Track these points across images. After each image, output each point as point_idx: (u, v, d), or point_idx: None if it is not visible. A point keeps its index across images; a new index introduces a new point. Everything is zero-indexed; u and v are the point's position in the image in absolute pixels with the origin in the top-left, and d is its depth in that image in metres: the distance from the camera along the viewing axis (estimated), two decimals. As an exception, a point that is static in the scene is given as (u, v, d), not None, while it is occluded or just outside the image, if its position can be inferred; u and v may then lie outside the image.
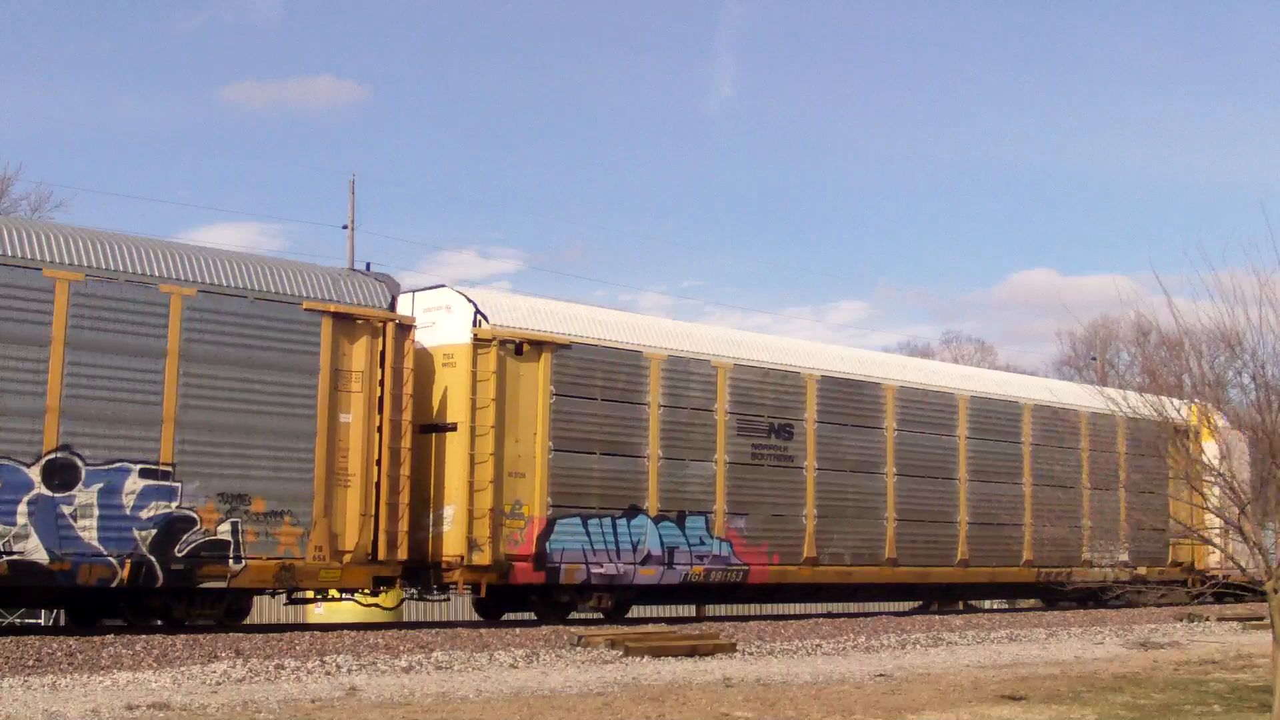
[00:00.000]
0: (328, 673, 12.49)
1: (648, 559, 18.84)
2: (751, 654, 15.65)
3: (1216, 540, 12.73)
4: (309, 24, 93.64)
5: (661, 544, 19.02)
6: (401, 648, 14.07)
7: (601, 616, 18.93)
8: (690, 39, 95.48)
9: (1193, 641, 19.49)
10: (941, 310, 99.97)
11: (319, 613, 20.71)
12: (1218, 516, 11.43)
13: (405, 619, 21.04)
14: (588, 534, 18.23)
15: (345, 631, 15.57)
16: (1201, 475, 11.73)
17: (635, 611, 23.54)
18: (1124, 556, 25.83)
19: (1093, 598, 26.39)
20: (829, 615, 21.87)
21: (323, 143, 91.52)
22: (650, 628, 17.77)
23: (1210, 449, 25.87)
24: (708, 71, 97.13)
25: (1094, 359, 61.90)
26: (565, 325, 18.53)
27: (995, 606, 29.51)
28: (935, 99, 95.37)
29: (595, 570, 18.26)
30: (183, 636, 14.09)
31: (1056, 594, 26.82)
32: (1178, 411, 28.63)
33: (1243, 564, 11.44)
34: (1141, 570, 26.02)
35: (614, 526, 18.54)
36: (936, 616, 22.97)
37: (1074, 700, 12.01)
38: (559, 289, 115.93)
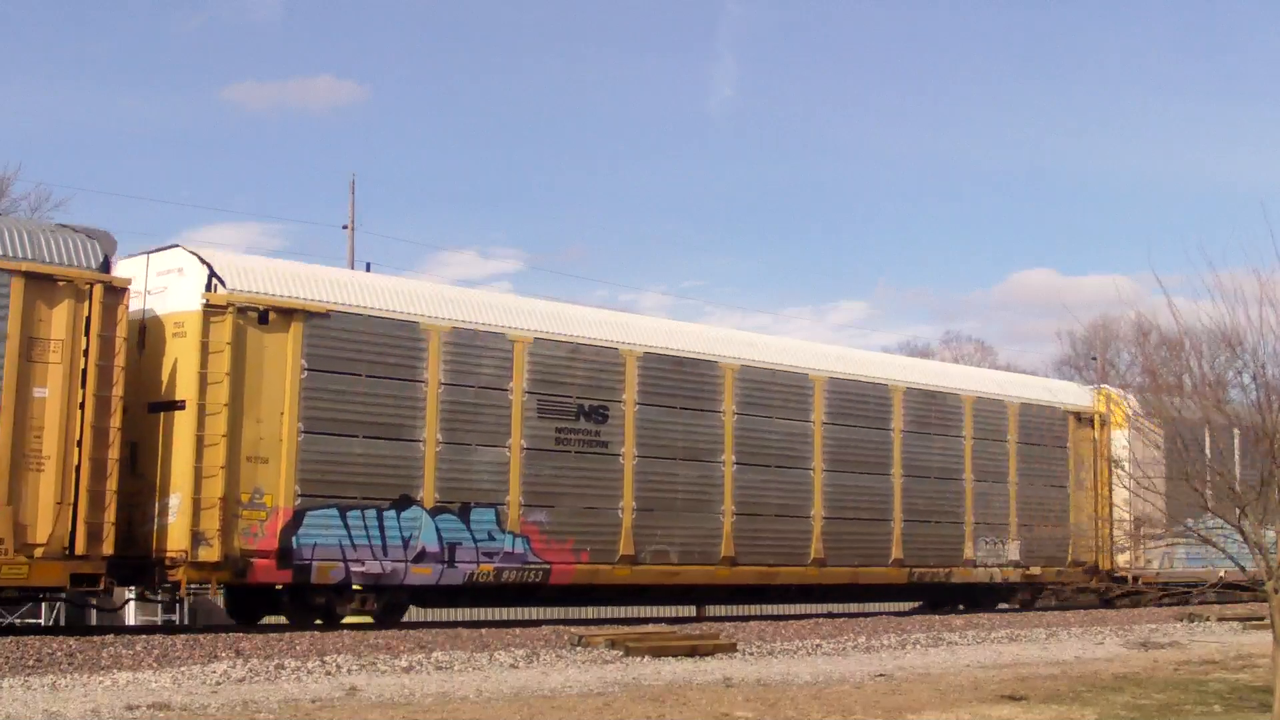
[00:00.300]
0: (328, 673, 12.49)
1: (423, 556, 16.73)
2: (751, 654, 15.65)
3: (1218, 541, 12.69)
4: (309, 24, 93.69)
5: (440, 539, 16.90)
6: (401, 648, 14.08)
7: (371, 620, 17.10)
8: (691, 39, 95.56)
9: (1193, 641, 19.50)
10: (941, 310, 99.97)
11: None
12: (1217, 516, 11.37)
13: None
14: (347, 527, 16.16)
15: (345, 631, 15.57)
16: (1201, 474, 11.66)
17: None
18: (1014, 556, 24.01)
19: (985, 600, 24.73)
20: (829, 615, 21.84)
21: (323, 143, 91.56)
22: (650, 628, 17.78)
23: (1119, 438, 25.25)
24: (708, 72, 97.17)
25: (1094, 359, 61.90)
26: (324, 292, 16.44)
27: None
28: (935, 99, 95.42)
29: (356, 569, 16.20)
30: (182, 636, 14.10)
31: (942, 597, 24.79)
32: (1079, 396, 26.79)
33: (1244, 565, 11.38)
34: (1035, 571, 24.44)
35: (380, 519, 16.45)
36: (936, 616, 22.95)
37: (1074, 700, 12.01)
38: (559, 289, 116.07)
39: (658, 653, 14.87)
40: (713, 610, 24.53)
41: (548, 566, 17.95)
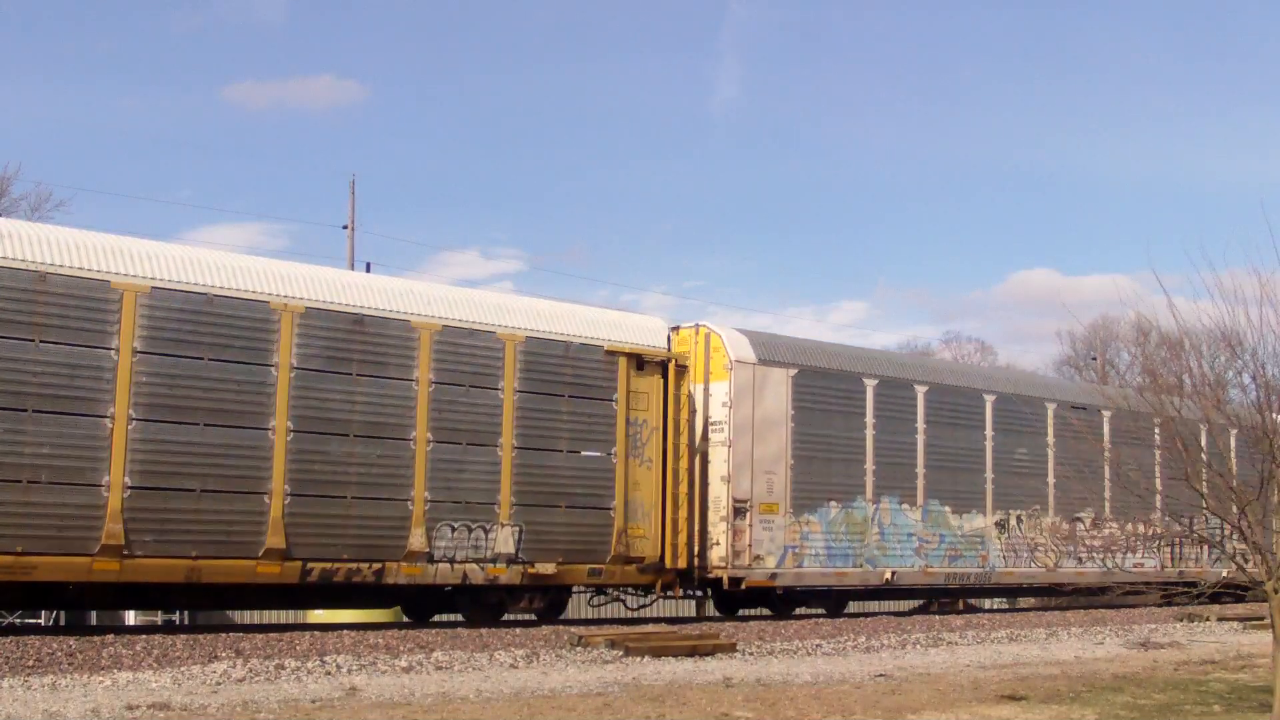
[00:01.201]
0: (328, 673, 12.50)
1: None
2: (751, 654, 15.67)
3: (1222, 540, 12.68)
4: (310, 24, 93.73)
5: None
6: (401, 648, 14.09)
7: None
8: (694, 40, 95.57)
9: (1193, 641, 19.51)
10: (941, 310, 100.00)
11: (319, 614, 20.74)
12: (1215, 515, 11.37)
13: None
14: None
15: (345, 632, 15.59)
16: (1201, 472, 11.65)
17: None
18: (507, 548, 17.31)
19: (470, 607, 18.11)
20: (829, 615, 21.86)
21: (323, 143, 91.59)
22: (650, 628, 17.79)
23: (719, 392, 20.17)
24: (711, 72, 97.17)
25: (1094, 359, 61.92)
26: None
27: (994, 606, 29.42)
28: (936, 99, 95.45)
29: None
30: (182, 636, 14.12)
31: (417, 601, 18.37)
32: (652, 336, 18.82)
33: (1245, 566, 11.37)
34: (547, 569, 17.69)
35: None
36: (936, 617, 22.97)
37: (1074, 700, 12.02)
38: (561, 289, 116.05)
39: (658, 653, 14.89)
40: (712, 609, 24.54)
41: None
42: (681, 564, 19.29)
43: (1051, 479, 24.73)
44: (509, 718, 10.12)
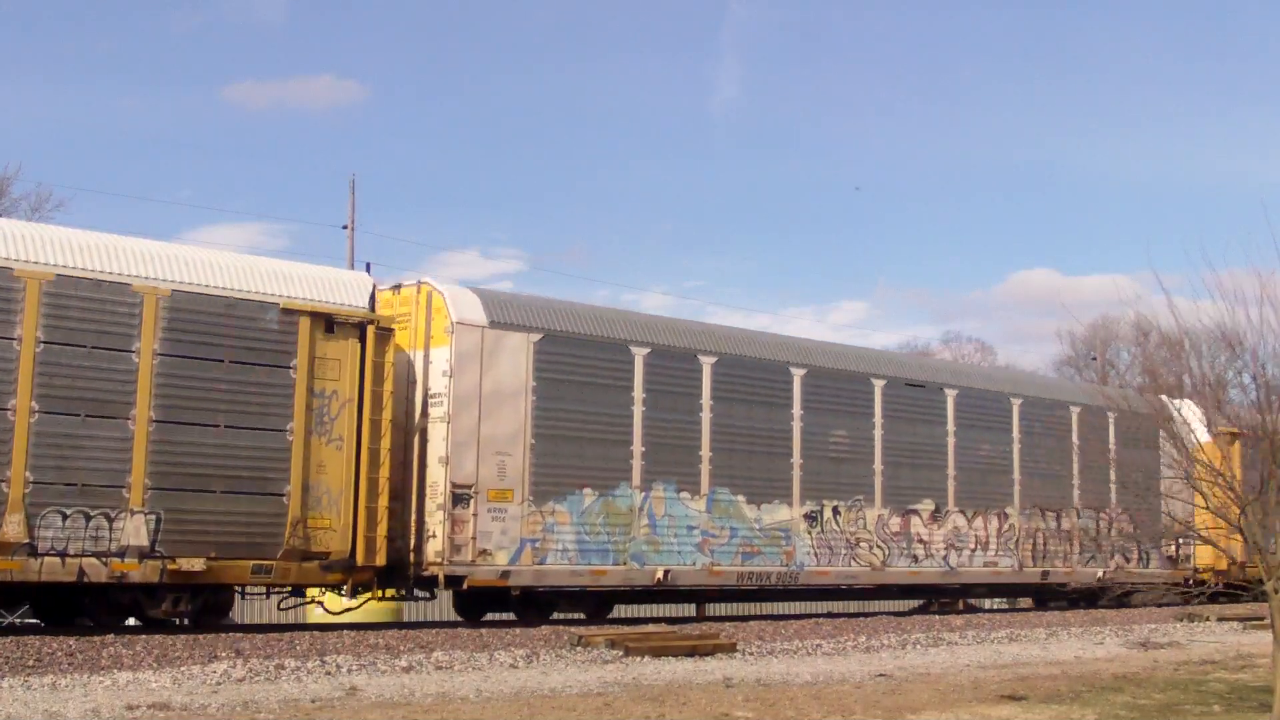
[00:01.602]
0: (328, 673, 12.51)
1: None
2: (752, 654, 15.67)
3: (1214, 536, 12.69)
4: (310, 24, 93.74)
5: None
6: (401, 648, 14.10)
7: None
8: (694, 40, 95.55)
9: (1193, 641, 19.51)
10: (941, 310, 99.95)
11: (320, 613, 20.71)
12: (1216, 516, 11.38)
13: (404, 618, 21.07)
14: None
15: (345, 631, 15.59)
16: (1202, 474, 11.67)
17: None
18: (140, 539, 14.56)
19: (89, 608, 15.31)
20: (829, 615, 21.87)
21: (323, 143, 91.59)
22: (650, 628, 17.80)
23: (440, 359, 17.28)
24: (711, 72, 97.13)
25: (1094, 359, 61.93)
26: None
27: (994, 606, 29.46)
28: (936, 99, 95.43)
29: None
30: (183, 637, 14.12)
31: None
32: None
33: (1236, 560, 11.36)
34: (193, 565, 14.92)
35: None
36: (936, 616, 22.98)
37: (1074, 700, 12.03)
38: (561, 289, 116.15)
39: (658, 653, 14.89)
40: (713, 610, 24.56)
41: None
42: (379, 560, 16.32)
43: (879, 465, 22.01)
44: (509, 718, 10.12)
